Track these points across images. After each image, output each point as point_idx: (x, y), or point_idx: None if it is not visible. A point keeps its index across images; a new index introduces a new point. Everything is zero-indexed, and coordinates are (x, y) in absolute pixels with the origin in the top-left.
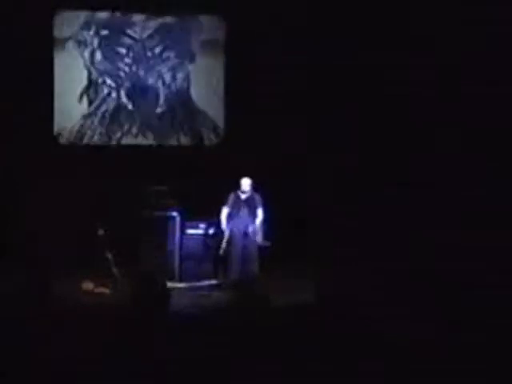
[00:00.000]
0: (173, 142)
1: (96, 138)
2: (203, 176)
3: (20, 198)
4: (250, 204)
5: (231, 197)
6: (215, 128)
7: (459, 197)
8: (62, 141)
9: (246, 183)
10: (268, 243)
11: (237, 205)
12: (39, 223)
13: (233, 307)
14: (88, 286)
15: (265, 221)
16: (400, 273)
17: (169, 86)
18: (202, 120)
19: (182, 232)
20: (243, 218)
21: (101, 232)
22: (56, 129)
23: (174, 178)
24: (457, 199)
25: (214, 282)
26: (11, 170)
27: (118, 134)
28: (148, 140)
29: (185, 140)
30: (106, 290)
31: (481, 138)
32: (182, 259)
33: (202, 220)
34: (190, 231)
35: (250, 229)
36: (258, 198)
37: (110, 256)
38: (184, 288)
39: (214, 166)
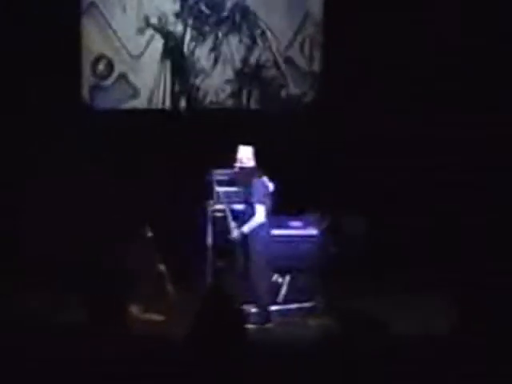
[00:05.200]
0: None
1: None
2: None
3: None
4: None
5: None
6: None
7: None
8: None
9: (244, 151)
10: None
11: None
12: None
13: (340, 339)
14: (133, 310)
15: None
16: None
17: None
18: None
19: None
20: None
21: (149, 234)
22: None
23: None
24: None
25: (307, 304)
26: None
27: None
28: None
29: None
30: (158, 317)
31: None
32: None
33: (294, 215)
34: (277, 232)
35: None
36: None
37: (162, 268)
38: None
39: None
